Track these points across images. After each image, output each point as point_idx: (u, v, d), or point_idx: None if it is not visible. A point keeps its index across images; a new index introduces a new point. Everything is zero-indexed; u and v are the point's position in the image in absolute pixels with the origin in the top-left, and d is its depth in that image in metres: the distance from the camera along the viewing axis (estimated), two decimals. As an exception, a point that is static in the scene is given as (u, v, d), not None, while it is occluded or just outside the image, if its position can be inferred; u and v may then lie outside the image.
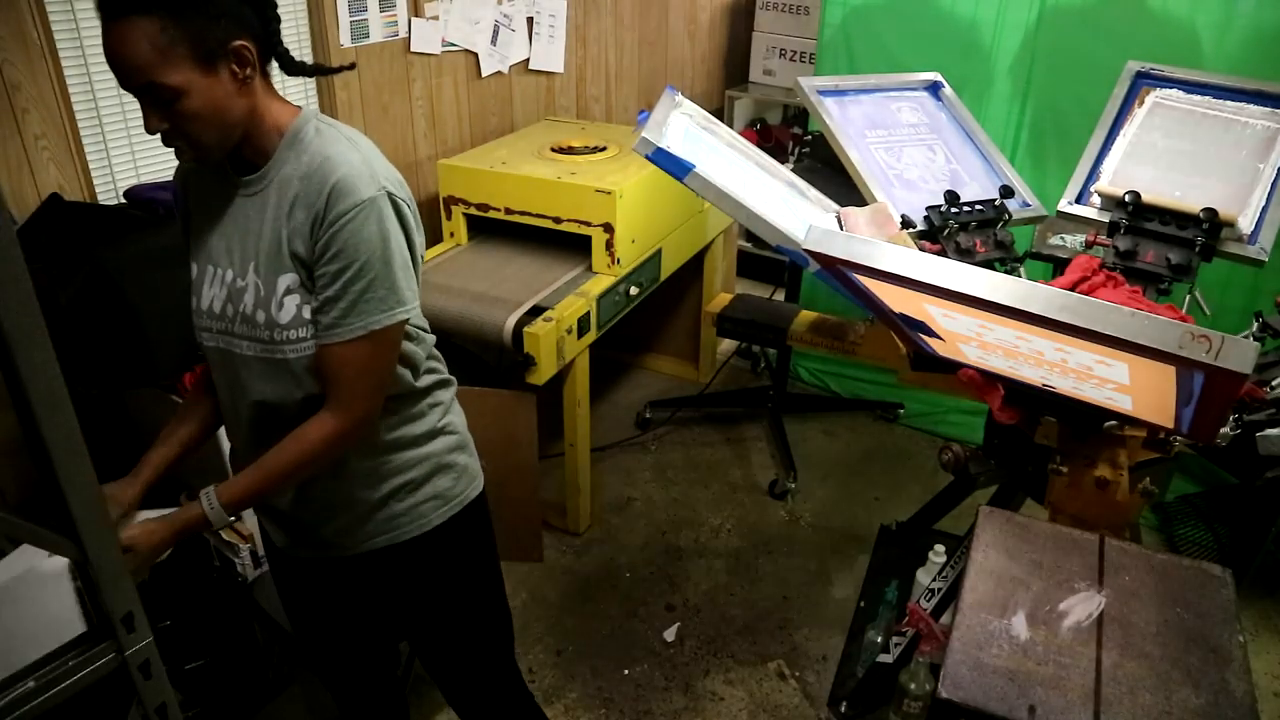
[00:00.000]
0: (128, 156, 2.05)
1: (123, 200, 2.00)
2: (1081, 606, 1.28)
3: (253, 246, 1.20)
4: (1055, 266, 2.07)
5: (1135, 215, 2.00)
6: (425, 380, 1.34)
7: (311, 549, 1.40)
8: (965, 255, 2.03)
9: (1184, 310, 1.90)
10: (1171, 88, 2.20)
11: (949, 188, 2.14)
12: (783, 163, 2.27)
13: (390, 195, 1.16)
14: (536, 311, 2.38)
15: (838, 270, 1.41)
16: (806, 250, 1.37)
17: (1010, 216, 2.13)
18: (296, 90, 2.36)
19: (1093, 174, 2.15)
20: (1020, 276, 1.91)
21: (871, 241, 1.31)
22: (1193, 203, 1.96)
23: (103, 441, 2.03)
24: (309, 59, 2.37)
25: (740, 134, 2.39)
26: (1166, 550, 2.50)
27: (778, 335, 2.49)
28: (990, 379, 1.70)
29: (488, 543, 1.51)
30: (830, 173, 2.34)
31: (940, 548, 2.18)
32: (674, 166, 1.79)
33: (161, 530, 1.23)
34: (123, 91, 2.02)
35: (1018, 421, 1.73)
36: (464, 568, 1.49)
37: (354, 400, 1.20)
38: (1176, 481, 2.83)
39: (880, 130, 2.28)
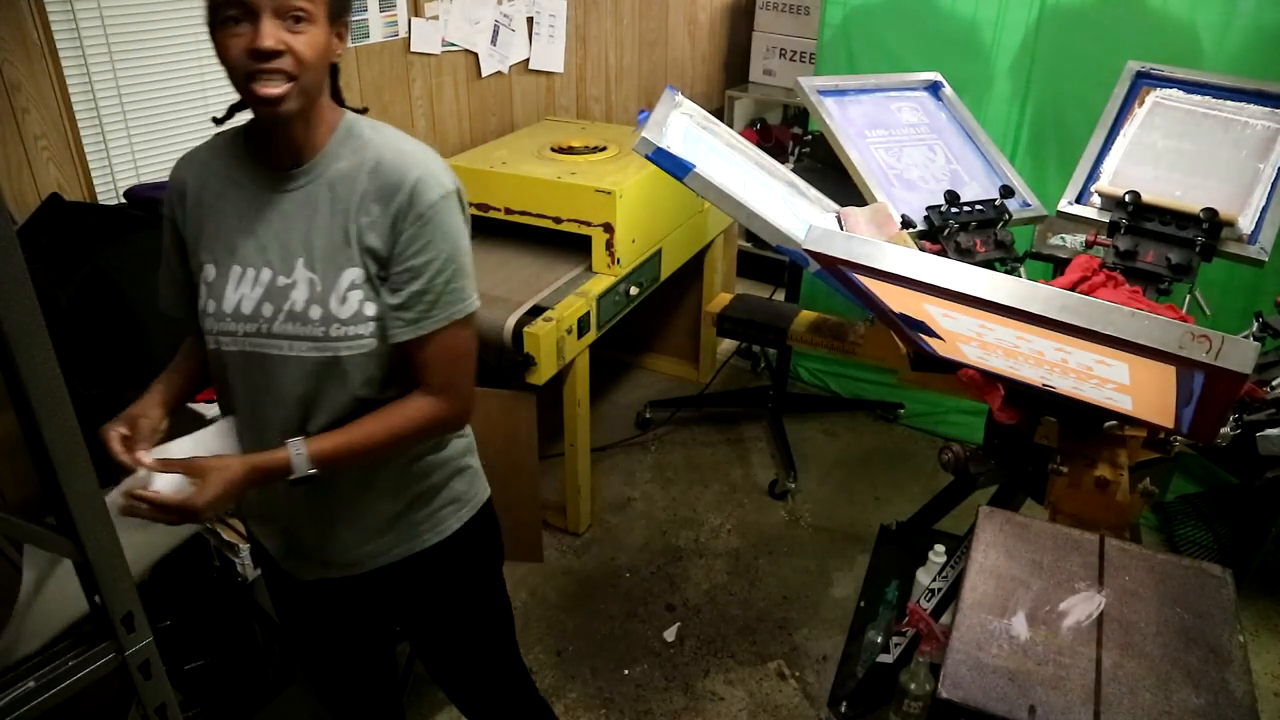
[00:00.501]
0: (128, 156, 2.05)
1: (123, 200, 2.00)
2: (1081, 606, 1.28)
3: (300, 242, 1.17)
4: (1055, 266, 2.07)
5: (1135, 215, 2.00)
6: None
7: (318, 569, 1.36)
8: (965, 255, 2.03)
9: (1184, 310, 1.90)
10: (1171, 88, 2.20)
11: (949, 188, 2.14)
12: (783, 163, 2.27)
13: (459, 189, 1.21)
14: (536, 311, 2.38)
15: (838, 270, 1.41)
16: (806, 250, 1.37)
17: (1010, 216, 2.13)
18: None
19: (1093, 174, 2.15)
20: (1020, 276, 1.91)
21: (871, 241, 1.31)
22: (1193, 203, 1.96)
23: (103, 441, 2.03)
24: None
25: (740, 134, 2.38)
26: (1166, 550, 2.50)
27: (778, 335, 2.49)
28: (990, 379, 1.70)
29: (498, 543, 1.51)
30: (830, 173, 2.34)
31: (940, 548, 2.18)
32: (674, 166, 1.79)
33: (237, 468, 1.15)
34: (123, 91, 2.02)
35: (1018, 421, 1.73)
36: (477, 571, 1.48)
37: (454, 387, 1.23)
38: (1177, 481, 2.83)
39: (880, 130, 2.28)
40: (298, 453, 1.17)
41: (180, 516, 1.13)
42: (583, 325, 2.45)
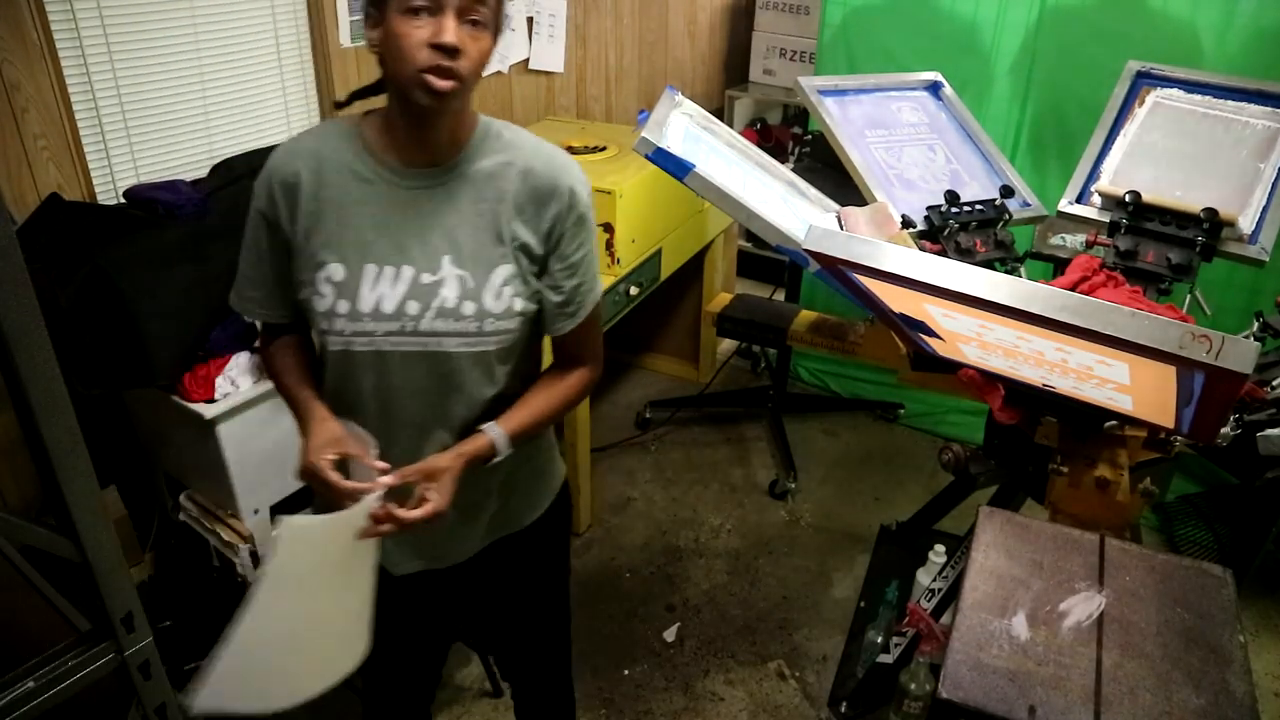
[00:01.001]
0: (127, 156, 2.05)
1: (122, 200, 1.99)
2: (1082, 606, 1.28)
3: (444, 240, 1.18)
4: (1055, 266, 2.07)
5: (1135, 215, 2.00)
6: None
7: (424, 560, 1.36)
8: (965, 255, 2.03)
9: (1184, 310, 1.90)
10: (1172, 87, 2.20)
11: (949, 188, 2.14)
12: (783, 163, 2.27)
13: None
14: (536, 311, 2.38)
15: (838, 270, 1.41)
16: (806, 250, 1.37)
17: (1010, 216, 2.13)
18: (296, 89, 2.36)
19: (1093, 174, 2.15)
20: (1020, 276, 1.91)
21: (871, 241, 1.31)
22: (1193, 202, 1.96)
23: (103, 441, 2.04)
24: (309, 59, 2.38)
25: (740, 134, 2.38)
26: (1167, 550, 2.50)
27: (778, 335, 2.49)
28: (990, 379, 1.70)
29: (570, 519, 1.56)
30: (830, 173, 2.33)
31: (940, 548, 2.18)
32: (674, 166, 1.79)
33: (456, 463, 1.19)
34: (122, 91, 2.02)
35: (1018, 421, 1.73)
36: (560, 546, 1.53)
37: (598, 354, 1.36)
38: (1177, 481, 2.83)
39: (880, 130, 2.28)
40: (499, 435, 1.22)
41: (427, 525, 1.16)
42: (583, 325, 2.45)
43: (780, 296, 3.36)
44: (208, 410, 1.90)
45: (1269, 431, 1.58)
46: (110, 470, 2.09)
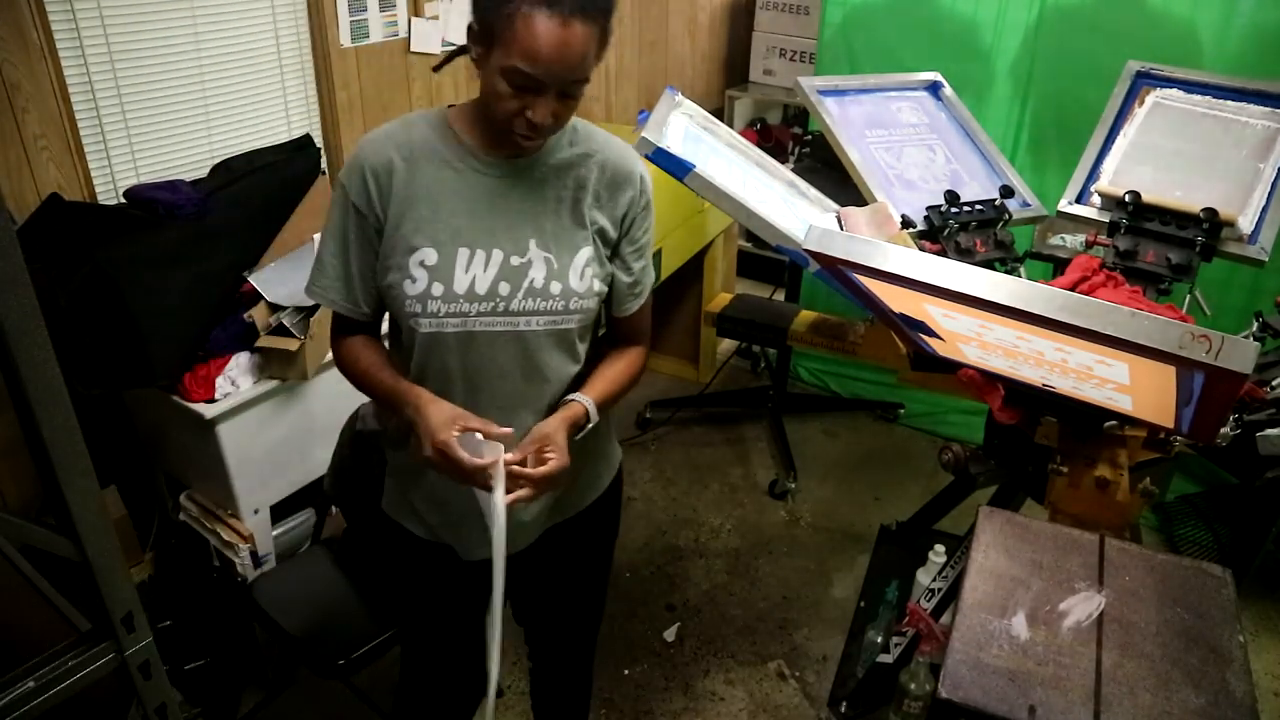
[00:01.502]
0: (127, 156, 2.05)
1: (122, 200, 1.99)
2: (1081, 606, 1.28)
3: (530, 224, 1.24)
4: (1055, 266, 2.07)
5: (1135, 215, 2.00)
6: None
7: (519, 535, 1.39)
8: (965, 255, 2.03)
9: (1184, 310, 1.90)
10: (1171, 88, 2.20)
11: (949, 188, 2.14)
12: (783, 163, 2.27)
13: None
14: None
15: (838, 270, 1.41)
16: (806, 250, 1.37)
17: (1010, 216, 2.13)
18: (296, 89, 2.36)
19: (1093, 174, 2.15)
20: (1020, 276, 1.91)
21: (871, 241, 1.31)
22: (1193, 203, 1.96)
23: (103, 441, 2.04)
24: (309, 59, 2.38)
25: (740, 134, 2.38)
26: (1166, 550, 2.50)
27: (778, 335, 2.49)
28: (990, 379, 1.70)
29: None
30: (830, 173, 2.34)
31: (940, 548, 2.17)
32: (674, 166, 1.79)
33: (563, 425, 1.25)
34: (122, 91, 2.02)
35: (1018, 421, 1.73)
36: (615, 524, 1.57)
37: (649, 334, 1.44)
38: (1176, 481, 2.83)
39: (880, 130, 2.28)
40: (588, 401, 1.28)
41: (553, 485, 1.23)
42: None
43: (780, 296, 3.36)
44: (208, 410, 1.90)
45: (1269, 431, 1.58)
46: (110, 470, 2.09)
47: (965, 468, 1.88)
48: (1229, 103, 2.13)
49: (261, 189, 2.09)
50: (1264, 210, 1.95)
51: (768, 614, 2.50)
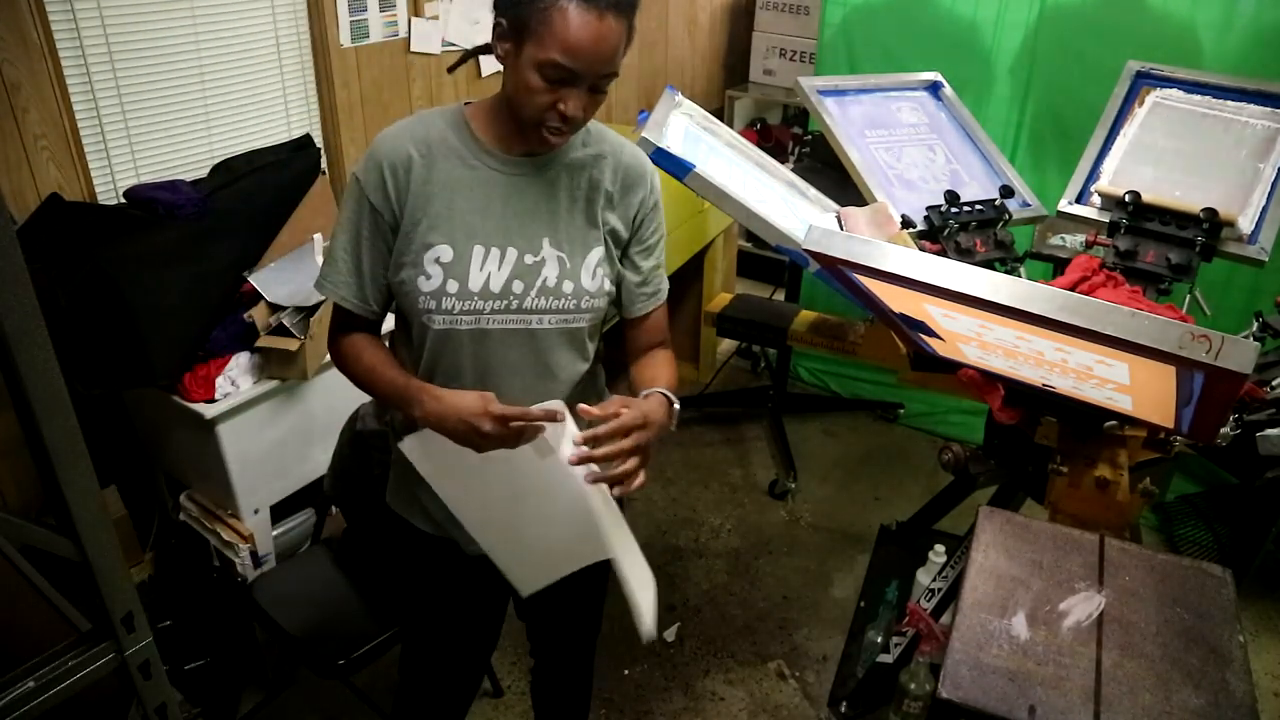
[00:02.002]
0: (128, 156, 2.05)
1: (122, 200, 1.99)
2: (1081, 606, 1.28)
3: (544, 223, 1.25)
4: (1055, 266, 2.07)
5: (1135, 215, 2.00)
6: None
7: None
8: (965, 255, 2.03)
9: (1184, 310, 1.90)
10: (1171, 87, 2.20)
11: (949, 188, 2.14)
12: (783, 163, 2.27)
13: None
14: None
15: (838, 270, 1.41)
16: (806, 250, 1.37)
17: (1010, 216, 2.13)
18: (296, 89, 2.36)
19: (1093, 174, 2.15)
20: (1020, 276, 1.91)
21: (871, 241, 1.32)
22: (1193, 203, 1.96)
23: (103, 441, 2.04)
24: (309, 59, 2.38)
25: (740, 134, 2.38)
26: (1166, 550, 2.50)
27: (778, 335, 2.49)
28: (990, 379, 1.70)
29: None
30: (830, 173, 2.34)
31: (940, 548, 2.18)
32: (674, 166, 1.79)
33: (662, 410, 1.24)
34: (122, 91, 2.02)
35: (1018, 421, 1.73)
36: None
37: (669, 338, 1.45)
38: (1176, 481, 2.83)
39: (880, 130, 2.28)
40: (665, 390, 1.28)
41: (646, 449, 1.20)
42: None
43: (780, 296, 3.36)
44: (208, 410, 1.90)
45: (1269, 431, 1.58)
46: (110, 470, 2.09)
47: (965, 468, 1.88)
48: (1229, 103, 2.13)
49: (261, 189, 2.09)
50: (1264, 210, 1.95)
51: (768, 614, 2.50)
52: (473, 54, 1.38)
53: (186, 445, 2.05)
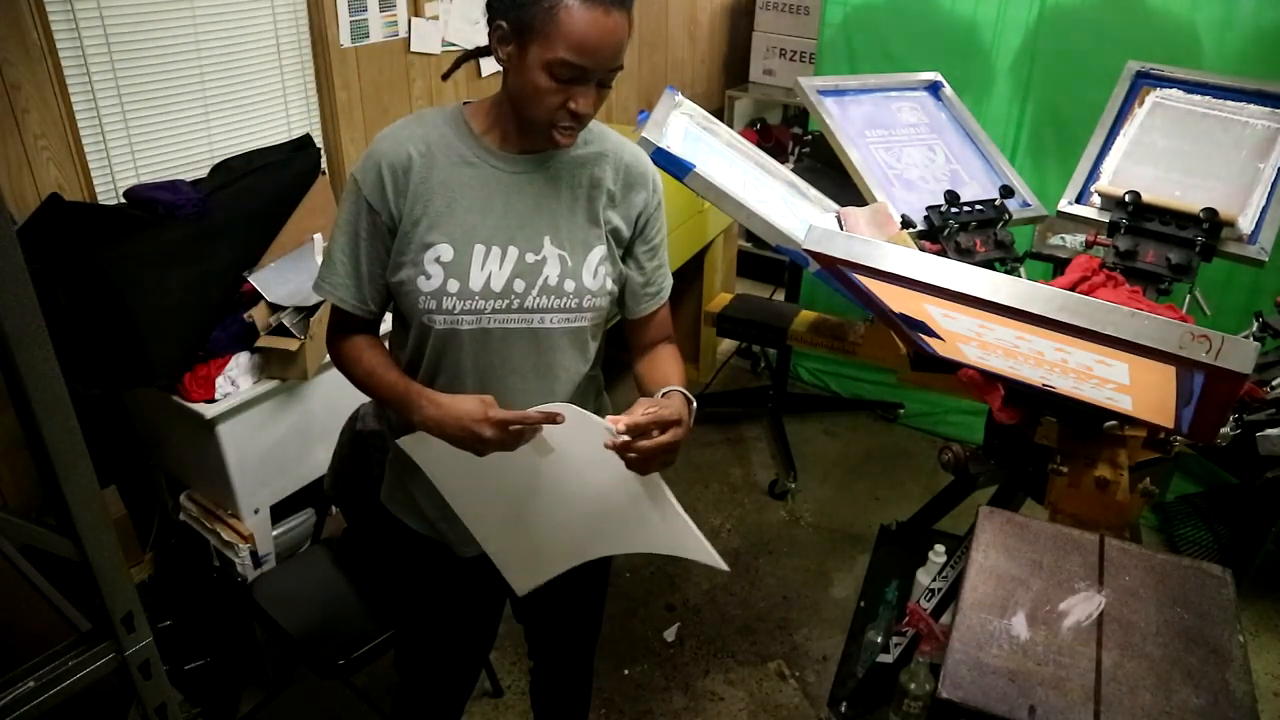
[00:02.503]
0: (128, 156, 2.05)
1: (123, 200, 1.99)
2: (1081, 606, 1.28)
3: (545, 221, 1.24)
4: (1055, 266, 2.07)
5: (1135, 215, 2.00)
6: None
7: None
8: (965, 255, 2.03)
9: (1184, 310, 1.90)
10: (1171, 88, 2.20)
11: (949, 188, 2.14)
12: (783, 163, 2.28)
13: None
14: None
15: (838, 270, 1.41)
16: (806, 250, 1.37)
17: (1010, 216, 2.13)
18: (296, 89, 2.36)
19: (1093, 174, 2.15)
20: (1020, 276, 1.91)
21: (871, 241, 1.31)
22: (1193, 202, 1.96)
23: (103, 441, 2.04)
24: (309, 59, 2.38)
25: (740, 134, 2.38)
26: (1166, 550, 2.50)
27: (778, 335, 2.49)
28: (990, 379, 1.70)
29: None
30: (830, 173, 2.34)
31: (940, 548, 2.18)
32: (674, 166, 1.79)
33: (687, 410, 1.25)
34: (122, 91, 2.02)
35: (1018, 421, 1.73)
36: None
37: (673, 336, 1.45)
38: (1176, 481, 2.83)
39: (880, 130, 2.28)
40: (684, 389, 1.28)
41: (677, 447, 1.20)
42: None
43: (780, 296, 3.36)
44: (208, 410, 1.90)
45: (1269, 431, 1.58)
46: (110, 470, 2.09)
47: (965, 468, 1.88)
48: (1229, 103, 2.13)
49: (261, 189, 2.09)
50: (1264, 210, 1.95)
51: (768, 614, 2.50)
52: (466, 59, 1.37)
53: (186, 445, 2.05)
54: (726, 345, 3.74)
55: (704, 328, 3.45)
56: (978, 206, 2.12)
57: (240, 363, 1.97)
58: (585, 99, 1.15)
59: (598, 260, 1.27)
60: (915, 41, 3.02)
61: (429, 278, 1.21)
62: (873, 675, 2.16)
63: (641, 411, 1.18)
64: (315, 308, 1.98)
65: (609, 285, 1.29)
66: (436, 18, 2.62)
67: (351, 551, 2.03)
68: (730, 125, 3.33)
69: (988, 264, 2.02)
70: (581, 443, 1.20)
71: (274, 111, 2.33)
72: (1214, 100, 2.15)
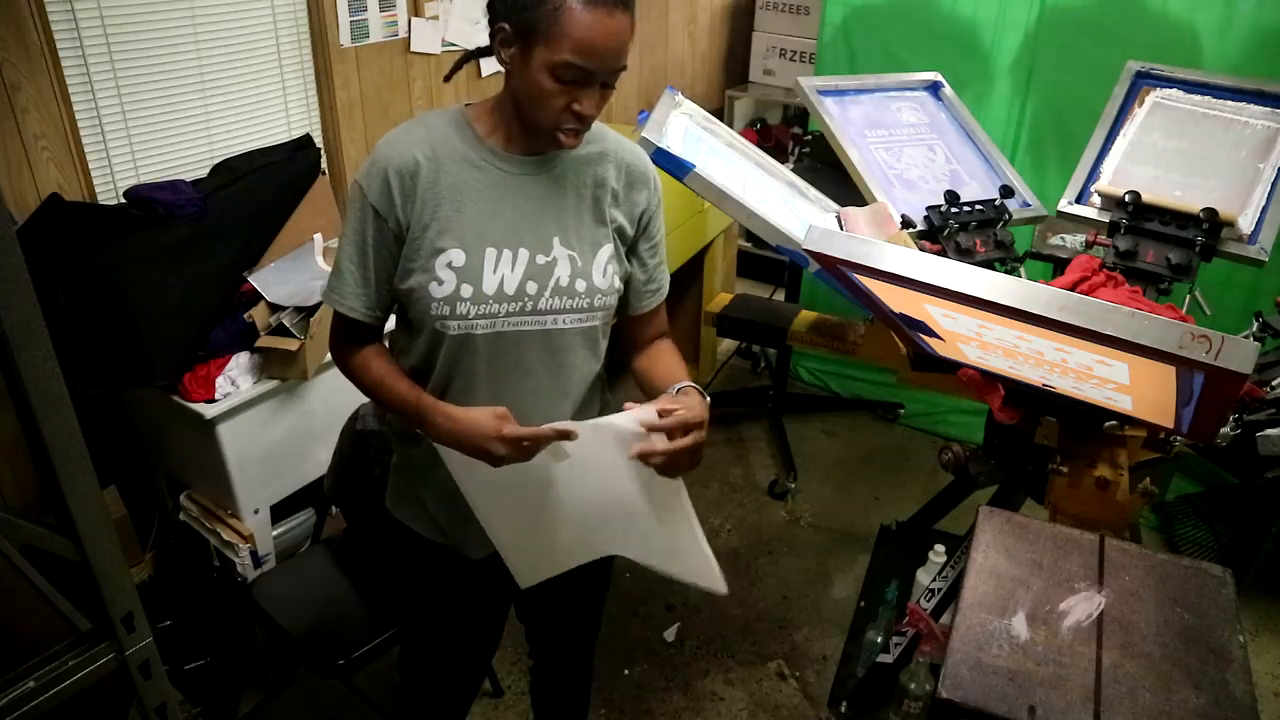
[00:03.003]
0: (128, 156, 2.05)
1: (123, 200, 1.99)
2: (1081, 606, 1.28)
3: (553, 222, 1.25)
4: (1055, 266, 2.07)
5: (1135, 215, 2.00)
6: None
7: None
8: (965, 255, 2.03)
9: (1184, 310, 1.90)
10: (1171, 87, 2.20)
11: (949, 188, 2.14)
12: (783, 163, 2.27)
13: None
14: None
15: (838, 270, 1.41)
16: (806, 250, 1.37)
17: (1010, 216, 2.13)
18: (296, 89, 2.36)
19: (1093, 174, 2.15)
20: (1020, 276, 1.91)
21: (871, 241, 1.32)
22: (1193, 203, 1.96)
23: (103, 441, 2.04)
24: (309, 59, 2.38)
25: (740, 134, 2.38)
26: (1166, 550, 2.50)
27: (778, 335, 2.49)
28: (990, 379, 1.70)
29: None
30: (830, 173, 2.34)
31: (940, 548, 2.18)
32: (674, 166, 1.79)
33: (703, 408, 1.27)
34: (123, 91, 2.02)
35: (1018, 421, 1.73)
36: None
37: (668, 330, 1.46)
38: (1176, 481, 2.83)
39: (880, 130, 2.28)
40: (697, 385, 1.31)
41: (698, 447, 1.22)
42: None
43: (780, 296, 3.36)
44: (208, 410, 1.90)
45: (1269, 431, 1.58)
46: (110, 470, 2.09)
47: (965, 468, 1.88)
48: (1229, 103, 2.13)
49: (261, 189, 2.09)
50: (1264, 210, 1.95)
51: (768, 614, 2.50)
52: (467, 60, 1.36)
53: (186, 445, 2.05)
54: (726, 345, 3.74)
55: (704, 328, 3.45)
56: (978, 206, 2.12)
57: (240, 363, 1.97)
58: (589, 100, 1.15)
59: (606, 259, 1.28)
60: (915, 41, 3.02)
61: (441, 283, 1.20)
62: (873, 675, 2.16)
63: (660, 408, 1.18)
64: (315, 308, 1.98)
65: (617, 283, 1.30)
66: (436, 18, 2.62)
67: (351, 551, 2.03)
68: (730, 125, 3.33)
69: (988, 264, 2.02)
70: (597, 451, 1.20)
71: (274, 111, 2.33)
72: (1214, 100, 2.15)
